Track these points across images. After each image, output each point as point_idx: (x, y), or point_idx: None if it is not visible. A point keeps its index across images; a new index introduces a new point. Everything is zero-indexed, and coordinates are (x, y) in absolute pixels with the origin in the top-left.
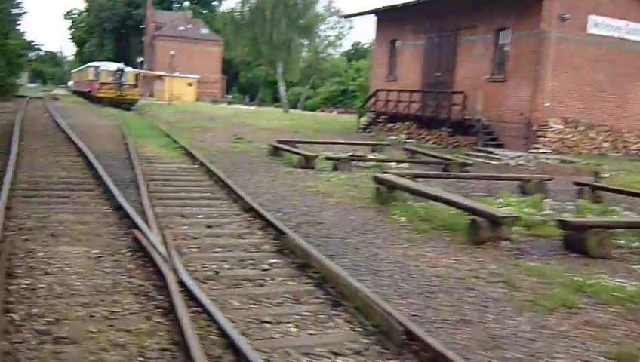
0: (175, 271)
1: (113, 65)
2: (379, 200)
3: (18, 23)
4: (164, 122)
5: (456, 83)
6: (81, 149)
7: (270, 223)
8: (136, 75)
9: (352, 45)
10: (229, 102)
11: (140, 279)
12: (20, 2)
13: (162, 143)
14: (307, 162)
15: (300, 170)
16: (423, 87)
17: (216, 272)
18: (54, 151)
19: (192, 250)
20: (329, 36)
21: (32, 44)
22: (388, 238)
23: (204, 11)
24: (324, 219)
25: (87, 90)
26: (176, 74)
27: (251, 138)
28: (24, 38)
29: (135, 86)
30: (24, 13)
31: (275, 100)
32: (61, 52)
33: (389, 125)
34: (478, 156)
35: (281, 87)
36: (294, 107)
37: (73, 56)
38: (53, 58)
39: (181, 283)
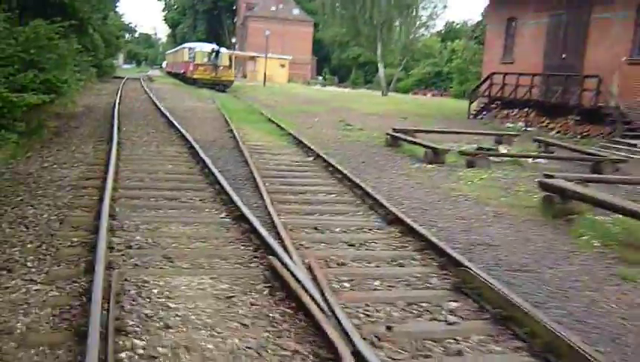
0: (344, 332)
1: (208, 47)
2: (550, 213)
3: (116, 4)
4: (263, 105)
5: (586, 65)
6: (185, 137)
7: (430, 243)
8: (231, 56)
9: (445, 25)
10: (323, 84)
11: (293, 340)
12: None
13: (267, 130)
14: (436, 156)
15: (429, 165)
16: (546, 70)
17: (389, 328)
18: (156, 138)
19: (343, 284)
20: (421, 16)
21: (129, 25)
22: (594, 273)
23: None
24: (493, 238)
25: (181, 71)
26: (268, 55)
27: (360, 124)
28: (122, 19)
29: (229, 67)
30: None
31: (367, 82)
32: (155, 34)
33: (505, 112)
34: (617, 149)
35: (381, 69)
36: (387, 89)
37: (166, 38)
38: (147, 40)
39: (355, 354)
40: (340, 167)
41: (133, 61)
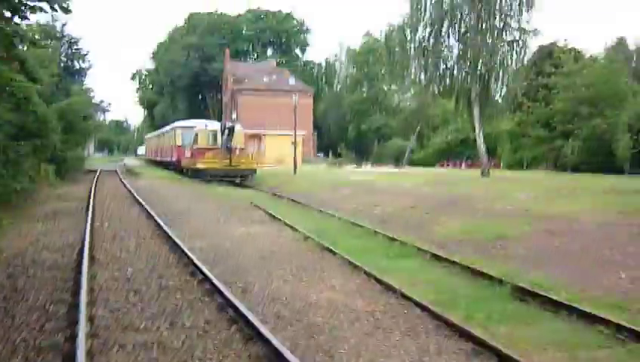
0: None
1: (213, 124)
2: None
3: (82, 77)
4: (375, 220)
5: None
6: None
7: None
8: (246, 134)
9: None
10: (358, 165)
11: None
12: (86, 54)
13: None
14: None
15: None
16: None
17: None
18: None
19: None
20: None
21: (100, 104)
22: None
23: (284, 60)
24: None
25: (172, 159)
26: (276, 132)
27: None
28: (91, 95)
29: (243, 150)
30: (89, 67)
31: (396, 160)
32: (126, 120)
33: None
34: None
35: (480, 137)
36: (397, 164)
37: (141, 122)
38: (118, 126)
39: None
40: None
41: (105, 149)
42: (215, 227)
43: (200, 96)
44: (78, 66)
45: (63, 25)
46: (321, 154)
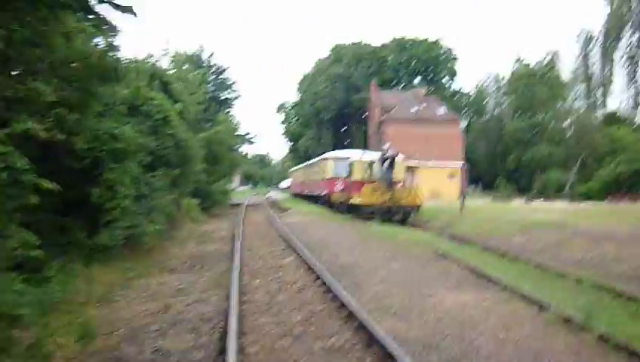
0: None
1: (370, 154)
2: None
3: (229, 107)
4: (624, 280)
5: None
6: None
7: None
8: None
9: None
10: (526, 200)
11: None
12: (233, 83)
13: None
14: None
15: None
16: None
17: None
18: None
19: None
20: None
21: (246, 135)
22: None
23: (432, 89)
24: None
25: (323, 193)
26: (430, 163)
27: None
28: (236, 126)
29: (404, 182)
30: (236, 98)
31: (558, 190)
32: (267, 153)
33: None
34: None
35: None
36: (569, 198)
37: (284, 156)
38: (261, 160)
39: None
40: None
41: (248, 182)
42: (407, 293)
43: (344, 129)
44: (224, 96)
45: (210, 55)
46: (472, 187)
